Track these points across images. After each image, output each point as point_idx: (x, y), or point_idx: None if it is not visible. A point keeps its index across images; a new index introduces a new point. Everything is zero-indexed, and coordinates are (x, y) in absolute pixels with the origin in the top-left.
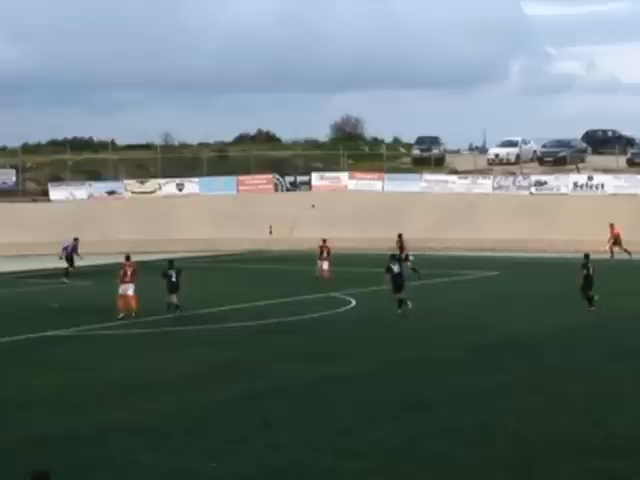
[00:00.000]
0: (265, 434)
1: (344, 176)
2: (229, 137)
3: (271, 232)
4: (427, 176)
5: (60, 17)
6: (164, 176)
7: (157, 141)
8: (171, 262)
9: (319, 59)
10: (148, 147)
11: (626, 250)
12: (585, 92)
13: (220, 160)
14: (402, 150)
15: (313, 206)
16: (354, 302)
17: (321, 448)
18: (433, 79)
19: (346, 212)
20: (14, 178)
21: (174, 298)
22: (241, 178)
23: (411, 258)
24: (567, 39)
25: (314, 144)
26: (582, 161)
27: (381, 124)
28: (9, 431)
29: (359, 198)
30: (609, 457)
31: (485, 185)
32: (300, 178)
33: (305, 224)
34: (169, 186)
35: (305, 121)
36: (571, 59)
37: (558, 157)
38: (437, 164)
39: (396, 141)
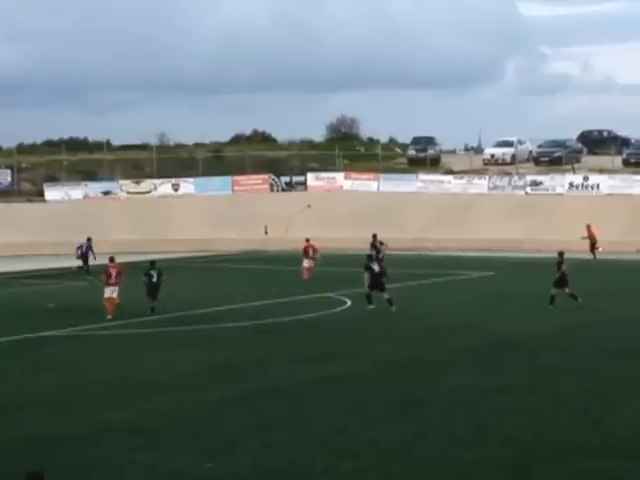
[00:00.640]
0: (261, 434)
1: (340, 176)
2: (225, 137)
3: (266, 232)
4: (423, 176)
5: (56, 18)
6: (159, 176)
7: (152, 141)
8: (153, 263)
9: (315, 59)
10: (143, 147)
11: (596, 250)
12: (580, 92)
13: (216, 160)
14: (398, 150)
15: (309, 206)
16: (349, 302)
17: (317, 448)
18: (428, 79)
19: (342, 212)
20: (9, 178)
21: (153, 299)
22: (237, 178)
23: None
24: (562, 39)
25: (310, 144)
26: (577, 161)
27: (376, 124)
28: (5, 431)
29: (355, 198)
30: (605, 457)
31: (481, 185)
32: (296, 178)
33: (301, 224)
34: (164, 186)
35: (301, 121)
36: (566, 59)
37: (554, 157)
38: (433, 164)
39: (392, 141)
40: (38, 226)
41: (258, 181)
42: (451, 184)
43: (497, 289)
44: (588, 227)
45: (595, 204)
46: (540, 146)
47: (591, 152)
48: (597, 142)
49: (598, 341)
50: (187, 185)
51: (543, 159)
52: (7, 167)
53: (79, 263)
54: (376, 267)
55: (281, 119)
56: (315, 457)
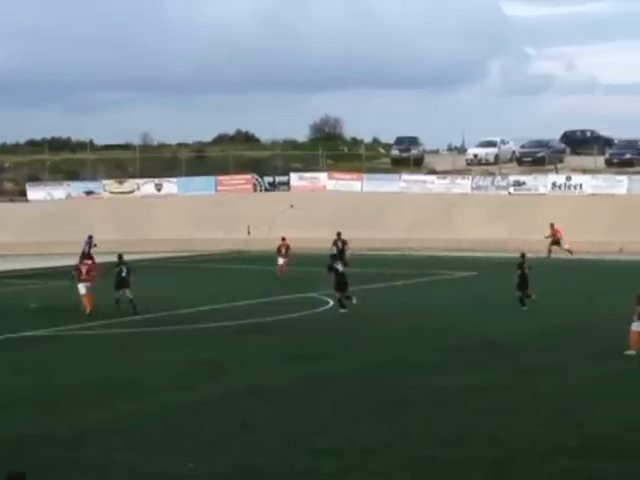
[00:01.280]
0: (243, 434)
1: (323, 176)
2: (208, 137)
3: (249, 232)
4: (406, 176)
5: (40, 18)
6: (142, 176)
7: (136, 141)
8: (120, 257)
9: (298, 60)
10: (127, 147)
11: (568, 250)
12: (564, 92)
13: (199, 160)
14: (381, 150)
15: (292, 206)
16: (332, 302)
17: (299, 448)
18: (412, 79)
19: (325, 212)
20: None
21: (125, 292)
22: (220, 178)
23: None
24: (546, 39)
25: (293, 144)
26: (561, 161)
27: (360, 124)
28: None
29: (338, 198)
30: (586, 457)
31: (464, 185)
32: (279, 178)
33: (284, 224)
34: (147, 186)
35: (284, 121)
36: (550, 59)
37: (537, 157)
38: (416, 164)
39: (375, 141)
40: (21, 226)
41: (241, 181)
42: (434, 184)
43: (480, 289)
44: (551, 225)
45: (578, 204)
46: (523, 146)
47: (574, 152)
48: (580, 142)
49: (579, 342)
50: (170, 185)
51: (526, 159)
52: None
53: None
54: (340, 267)
55: (264, 119)
56: (297, 457)
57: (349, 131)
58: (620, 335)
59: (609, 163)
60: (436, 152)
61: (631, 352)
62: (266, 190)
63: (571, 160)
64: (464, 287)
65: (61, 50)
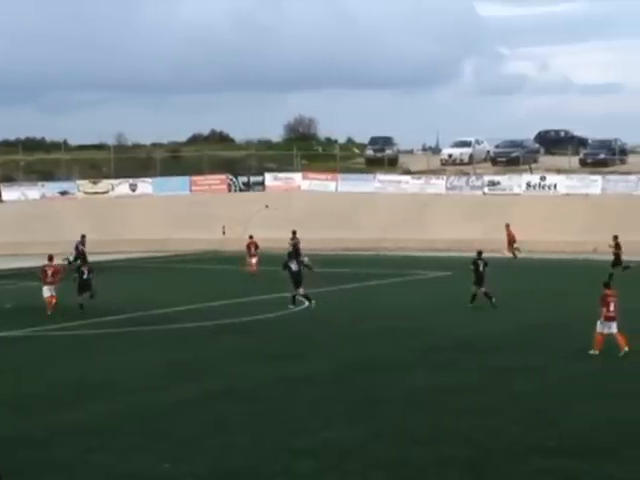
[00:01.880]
0: (219, 434)
1: (298, 176)
2: (182, 137)
3: (224, 232)
4: (380, 176)
5: (12, 17)
6: (117, 176)
7: (110, 141)
8: (84, 259)
9: (273, 60)
10: (101, 147)
11: (515, 250)
12: (538, 93)
13: (173, 160)
14: (355, 150)
15: (267, 206)
16: (307, 302)
17: (275, 448)
18: (386, 79)
19: (300, 212)
20: None
21: (84, 296)
22: (194, 178)
23: (305, 259)
24: (520, 40)
25: (267, 144)
26: (535, 161)
27: (334, 124)
28: None
29: (313, 198)
30: (562, 457)
31: (438, 185)
32: (253, 178)
33: (258, 224)
34: (122, 186)
35: (258, 121)
36: (524, 60)
37: (511, 157)
38: (390, 164)
39: (349, 141)
40: None
41: (216, 181)
42: (409, 184)
43: (455, 289)
44: (507, 226)
45: (552, 204)
46: (497, 146)
47: (548, 152)
48: (554, 142)
49: (554, 341)
50: (145, 185)
51: (500, 159)
52: None
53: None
54: (294, 266)
55: (239, 119)
56: (274, 457)
57: (323, 131)
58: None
59: (583, 163)
60: (410, 152)
61: (594, 352)
62: (241, 190)
63: (545, 160)
64: (439, 287)
65: (35, 49)
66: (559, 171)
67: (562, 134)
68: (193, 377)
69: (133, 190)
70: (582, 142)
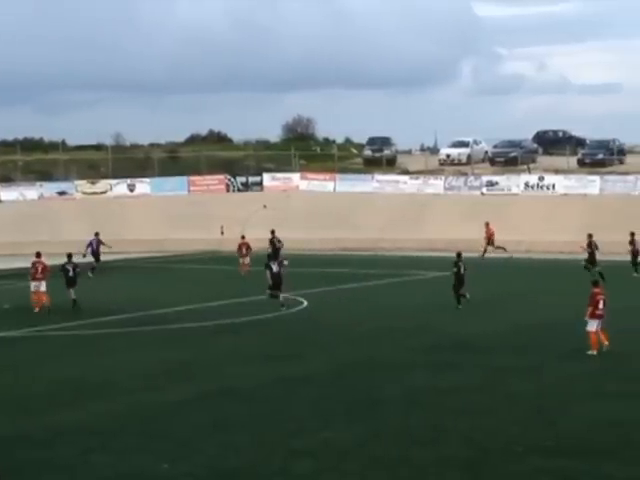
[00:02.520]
0: (218, 434)
1: (296, 177)
2: (180, 137)
3: (223, 232)
4: (379, 176)
5: (9, 17)
6: (115, 176)
7: (108, 141)
8: (69, 256)
9: (270, 60)
10: (99, 147)
11: (499, 247)
12: (536, 93)
13: (171, 160)
14: (353, 151)
15: (265, 207)
16: (306, 303)
17: (273, 448)
18: (384, 79)
19: (298, 213)
20: None
21: (71, 293)
22: (192, 178)
23: (285, 263)
24: (518, 40)
25: (265, 144)
26: (533, 161)
27: (332, 124)
28: None
29: (311, 198)
30: (560, 457)
31: (436, 185)
32: (252, 178)
33: (257, 224)
34: (120, 186)
35: (256, 121)
36: (522, 60)
37: (509, 157)
38: (388, 164)
39: (347, 141)
40: None
41: (214, 181)
42: (407, 184)
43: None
44: (487, 224)
45: (550, 204)
46: (496, 146)
47: (546, 152)
48: (552, 142)
49: (552, 341)
50: (143, 185)
51: (499, 159)
52: None
53: (91, 260)
54: (275, 267)
55: (237, 119)
56: (272, 457)
57: (321, 131)
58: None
59: (581, 163)
60: (409, 152)
61: (592, 352)
62: (239, 190)
63: (543, 160)
64: (437, 287)
65: (33, 50)
66: (557, 171)
67: (560, 134)
68: (192, 377)
69: (131, 190)
70: (580, 142)
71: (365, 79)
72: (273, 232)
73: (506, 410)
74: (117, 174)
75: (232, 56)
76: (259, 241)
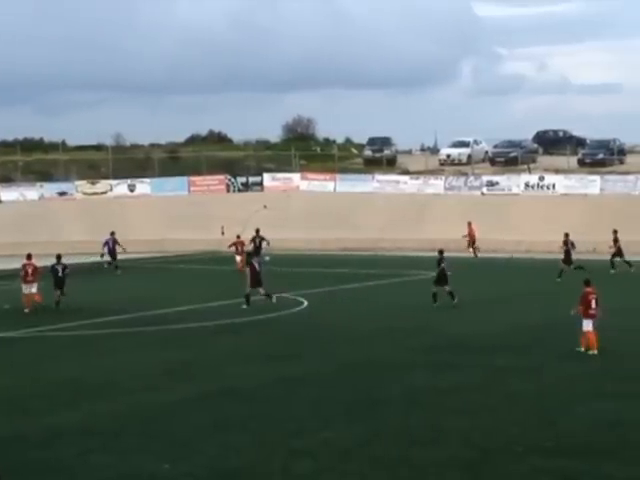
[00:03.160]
0: (218, 434)
1: (296, 177)
2: (180, 138)
3: (223, 233)
4: (379, 177)
5: (11, 17)
6: (115, 177)
7: (108, 142)
8: (58, 257)
9: (270, 60)
10: (99, 148)
11: (475, 250)
12: (536, 93)
13: (171, 161)
14: (354, 151)
15: (265, 207)
16: (306, 303)
17: (274, 448)
18: (384, 80)
19: (298, 213)
20: None
21: (59, 292)
22: (193, 179)
23: (267, 259)
24: (518, 40)
25: (266, 145)
26: (533, 161)
27: (333, 124)
28: None
29: (311, 199)
30: (560, 457)
31: (437, 185)
32: (252, 179)
33: (257, 225)
34: (120, 187)
35: (256, 122)
36: (522, 60)
37: (509, 157)
38: (389, 164)
39: (347, 142)
40: None
41: (214, 182)
42: (407, 184)
43: (453, 289)
44: (469, 224)
45: (551, 204)
46: (496, 146)
47: (547, 152)
48: (552, 142)
49: (551, 341)
50: (143, 186)
51: (499, 159)
52: None
53: (107, 259)
54: (257, 265)
55: (237, 119)
56: (272, 458)
57: (321, 131)
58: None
59: (582, 163)
60: (409, 152)
61: (593, 352)
62: (239, 191)
63: (544, 160)
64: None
65: (33, 50)
66: (557, 171)
67: (560, 134)
68: (192, 377)
69: (131, 191)
70: (580, 142)
71: (365, 79)
72: (257, 231)
73: (506, 410)
74: (117, 174)
75: (232, 56)
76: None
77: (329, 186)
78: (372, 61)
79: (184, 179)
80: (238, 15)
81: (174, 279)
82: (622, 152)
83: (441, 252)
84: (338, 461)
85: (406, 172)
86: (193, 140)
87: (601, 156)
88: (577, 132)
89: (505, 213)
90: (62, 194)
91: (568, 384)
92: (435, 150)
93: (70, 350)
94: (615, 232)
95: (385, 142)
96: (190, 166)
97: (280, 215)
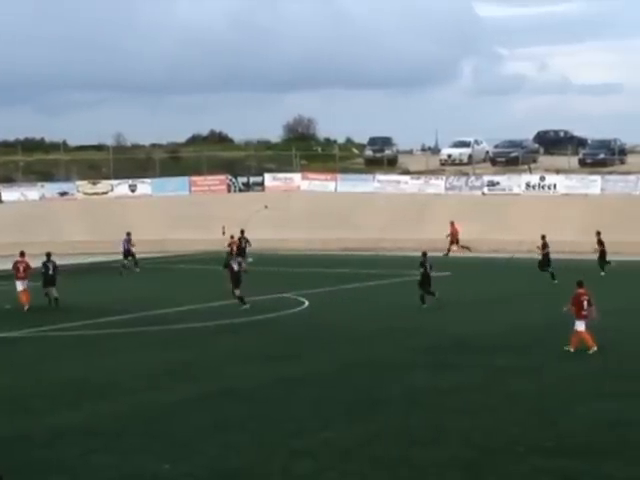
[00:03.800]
0: (218, 435)
1: (297, 177)
2: (181, 138)
3: (224, 233)
4: (380, 177)
5: (10, 18)
6: (116, 177)
7: (109, 142)
8: (48, 255)
9: (271, 60)
10: (100, 148)
11: (461, 248)
12: (537, 93)
13: (172, 161)
14: (355, 151)
15: (266, 207)
16: (307, 303)
17: (274, 449)
18: (385, 79)
19: (299, 213)
20: None
21: (53, 291)
22: (194, 179)
23: (250, 260)
24: (519, 40)
25: (266, 145)
26: (534, 161)
27: (333, 124)
28: None
29: (312, 199)
30: (561, 457)
31: (438, 185)
32: (253, 179)
33: (258, 225)
34: (121, 187)
35: (257, 122)
36: (523, 60)
37: (510, 157)
38: (390, 164)
39: (348, 141)
40: None
41: (215, 182)
42: (408, 184)
43: (454, 289)
44: (452, 223)
45: (552, 204)
46: (497, 146)
47: (547, 152)
48: (553, 142)
49: (552, 341)
50: (144, 186)
51: (500, 159)
52: None
53: (125, 262)
54: (235, 265)
55: (238, 119)
56: (272, 458)
57: (322, 131)
58: (594, 334)
59: (582, 163)
60: (410, 152)
61: (592, 350)
62: (240, 191)
63: (544, 160)
64: (438, 287)
65: (34, 50)
66: (558, 171)
67: (561, 134)
68: (193, 377)
69: (132, 191)
70: (581, 142)
71: (366, 79)
72: (242, 232)
73: (506, 410)
74: (118, 174)
75: (233, 56)
76: (261, 242)
77: (330, 186)
78: (373, 61)
79: (185, 179)
80: (238, 15)
81: (175, 279)
82: (623, 152)
83: (424, 254)
84: (338, 461)
85: (407, 172)
86: (194, 140)
87: (602, 156)
88: (578, 132)
89: (506, 213)
90: (63, 194)
91: (568, 384)
92: (436, 150)
93: (72, 350)
94: (598, 233)
95: (386, 142)
96: (191, 166)
97: (281, 215)
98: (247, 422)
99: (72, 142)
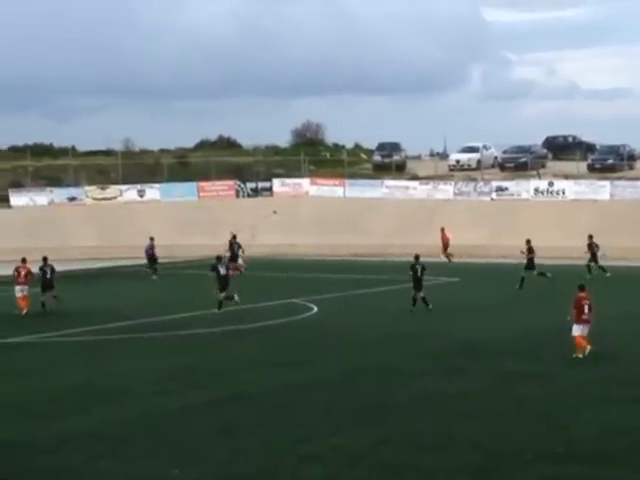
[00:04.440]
0: (227, 440)
1: (305, 182)
2: (190, 143)
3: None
4: (388, 182)
5: (19, 22)
6: (125, 182)
7: (118, 147)
8: (45, 259)
9: (279, 65)
10: (109, 153)
11: (449, 255)
12: (545, 98)
13: (181, 166)
14: (363, 156)
15: (275, 212)
16: (316, 308)
17: (282, 454)
18: (393, 84)
19: (307, 218)
20: None
21: (48, 296)
22: (202, 184)
23: (240, 262)
24: (527, 45)
25: (275, 150)
26: (543, 167)
27: (342, 130)
28: None
29: (320, 204)
30: (570, 463)
31: (446, 191)
32: (261, 184)
33: (266, 230)
34: (130, 192)
35: (266, 127)
36: (531, 65)
37: (519, 163)
38: (398, 170)
39: (357, 147)
40: (3, 232)
41: (224, 187)
42: (416, 190)
43: (462, 295)
44: (442, 230)
45: (560, 209)
46: (505, 152)
47: (556, 158)
48: (562, 148)
49: (561, 346)
50: (152, 191)
51: (508, 165)
52: None
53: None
54: (222, 269)
55: (246, 125)
56: (281, 463)
57: (331, 137)
58: (600, 339)
59: (591, 168)
60: (418, 158)
61: (577, 355)
62: (248, 196)
63: (553, 165)
64: (446, 293)
65: (43, 56)
66: (567, 177)
67: (570, 139)
68: (200, 383)
69: (141, 196)
70: (590, 147)
71: (374, 84)
72: (235, 236)
73: (515, 416)
74: (127, 180)
75: (241, 62)
76: (269, 247)
77: (338, 191)
78: (381, 66)
79: (193, 184)
80: (246, 20)
81: (183, 285)
82: (632, 157)
83: (417, 257)
84: (347, 467)
85: (415, 177)
86: (202, 145)
87: (611, 161)
88: (587, 137)
89: (514, 219)
90: (72, 199)
91: (577, 389)
92: (444, 155)
93: (79, 355)
94: (590, 237)
95: (394, 147)
96: (199, 171)
97: (289, 220)
98: (255, 428)
99: (81, 147)
